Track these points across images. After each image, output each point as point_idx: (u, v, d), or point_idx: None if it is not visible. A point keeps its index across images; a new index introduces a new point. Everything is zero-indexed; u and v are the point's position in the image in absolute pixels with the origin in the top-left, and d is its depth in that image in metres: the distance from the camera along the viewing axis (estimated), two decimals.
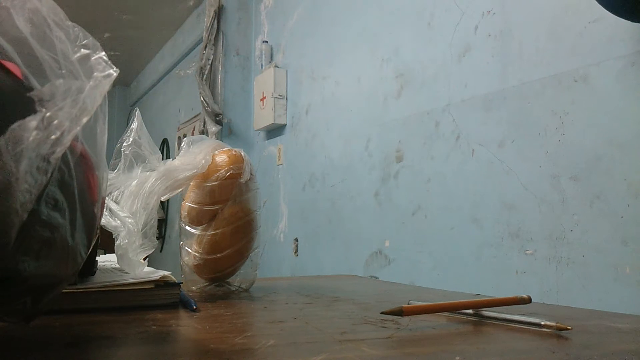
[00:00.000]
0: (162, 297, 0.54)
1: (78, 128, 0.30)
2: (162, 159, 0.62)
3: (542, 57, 1.41)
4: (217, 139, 2.49)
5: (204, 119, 3.34)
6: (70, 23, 0.34)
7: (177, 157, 0.64)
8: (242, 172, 0.64)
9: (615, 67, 1.22)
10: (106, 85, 0.32)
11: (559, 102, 1.35)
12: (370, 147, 2.17)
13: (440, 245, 1.73)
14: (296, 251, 2.75)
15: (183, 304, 0.54)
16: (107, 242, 0.55)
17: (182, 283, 0.57)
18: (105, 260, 0.69)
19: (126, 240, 0.55)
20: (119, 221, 0.56)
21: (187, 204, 0.65)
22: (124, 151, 0.60)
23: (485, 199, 1.56)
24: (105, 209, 0.52)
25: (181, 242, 0.66)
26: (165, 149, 4.83)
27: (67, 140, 0.30)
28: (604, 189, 1.23)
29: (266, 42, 3.16)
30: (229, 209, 0.64)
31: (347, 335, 0.41)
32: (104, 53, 0.34)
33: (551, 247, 1.34)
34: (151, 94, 5.59)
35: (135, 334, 0.41)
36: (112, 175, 0.59)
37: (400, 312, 0.44)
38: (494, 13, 1.57)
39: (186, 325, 0.46)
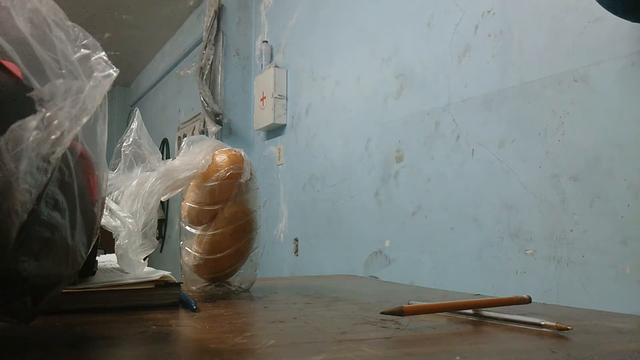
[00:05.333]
0: (162, 297, 0.54)
1: (78, 128, 0.30)
2: (162, 159, 0.62)
3: (542, 57, 1.41)
4: (217, 139, 2.49)
5: (204, 119, 3.34)
6: (70, 23, 0.34)
7: (177, 157, 0.64)
8: (242, 172, 0.64)
9: (615, 67, 1.22)
10: (106, 85, 0.32)
11: (559, 102, 1.35)
12: (370, 147, 2.17)
13: (440, 245, 1.73)
14: (296, 251, 2.75)
15: (183, 304, 0.54)
16: (107, 242, 0.55)
17: (182, 283, 0.57)
18: (105, 260, 0.69)
19: (126, 240, 0.55)
20: (119, 221, 0.56)
21: (187, 204, 0.65)
22: (124, 151, 0.60)
23: (485, 199, 1.56)
24: (105, 209, 0.52)
25: (181, 242, 0.66)
26: (165, 149, 4.82)
27: (67, 140, 0.30)
28: (604, 189, 1.23)
29: (266, 42, 3.16)
30: (229, 209, 0.64)
31: (347, 335, 0.41)
32: (104, 53, 0.34)
33: (551, 247, 1.34)
34: (151, 94, 5.59)
35: (135, 334, 0.41)
36: (112, 175, 0.59)
37: (400, 312, 0.44)
38: (494, 13, 1.57)
39: (186, 325, 0.46)
